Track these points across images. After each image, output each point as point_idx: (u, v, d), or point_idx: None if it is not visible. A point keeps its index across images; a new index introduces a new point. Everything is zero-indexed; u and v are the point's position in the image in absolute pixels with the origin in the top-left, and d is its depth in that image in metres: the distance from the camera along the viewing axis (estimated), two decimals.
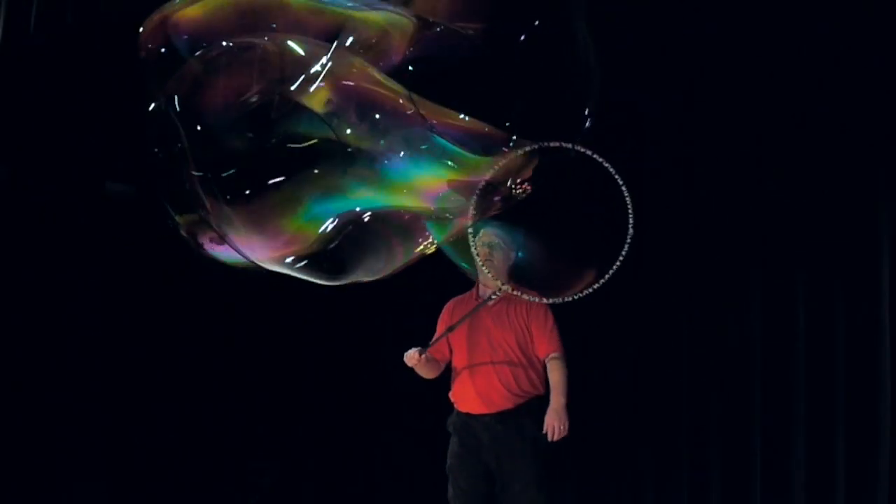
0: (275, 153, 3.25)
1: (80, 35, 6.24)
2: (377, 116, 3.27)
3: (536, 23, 3.34)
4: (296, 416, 7.53)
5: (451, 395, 5.02)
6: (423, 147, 3.32)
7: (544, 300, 4.48)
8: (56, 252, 7.01)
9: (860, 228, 5.65)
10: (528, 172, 3.58)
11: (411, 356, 4.81)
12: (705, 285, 6.14)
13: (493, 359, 4.85)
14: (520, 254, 4.75)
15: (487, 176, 3.47)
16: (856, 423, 5.58)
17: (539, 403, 4.84)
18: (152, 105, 3.30)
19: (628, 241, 3.96)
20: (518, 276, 4.68)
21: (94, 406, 7.12)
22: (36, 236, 6.96)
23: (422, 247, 3.62)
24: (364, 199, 3.38)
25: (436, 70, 3.32)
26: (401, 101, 3.26)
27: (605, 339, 6.49)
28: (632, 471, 6.38)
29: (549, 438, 4.72)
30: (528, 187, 3.60)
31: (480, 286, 5.02)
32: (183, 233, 3.46)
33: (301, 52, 3.25)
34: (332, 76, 3.21)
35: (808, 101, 5.79)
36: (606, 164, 3.79)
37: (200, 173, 3.24)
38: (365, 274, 3.53)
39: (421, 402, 5.58)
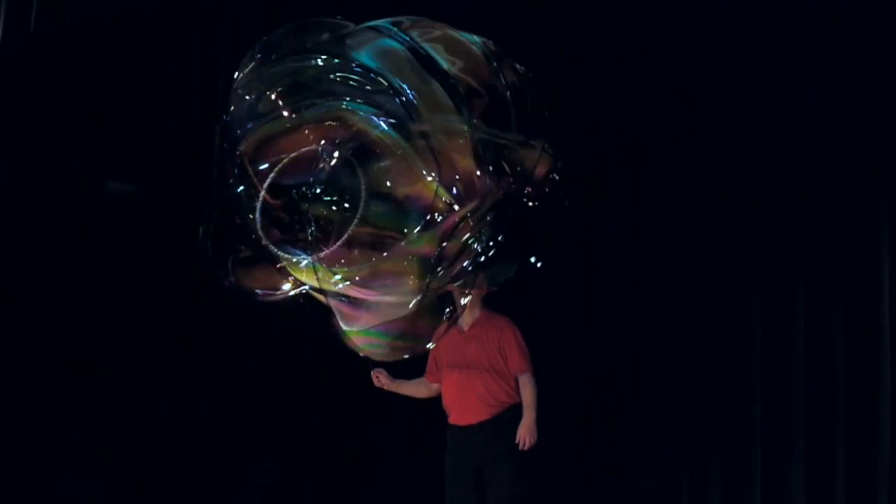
0: None
1: (80, 35, 6.24)
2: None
3: None
4: (297, 416, 7.52)
5: (443, 407, 5.55)
6: None
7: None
8: (56, 251, 7.02)
9: (860, 229, 5.65)
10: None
11: (376, 379, 5.46)
12: (705, 286, 6.14)
13: (470, 377, 5.41)
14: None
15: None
16: (856, 423, 5.59)
17: (514, 411, 5.38)
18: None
19: None
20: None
21: (95, 406, 7.12)
22: (36, 235, 6.97)
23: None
24: None
25: None
26: None
27: (606, 339, 6.49)
28: (632, 471, 6.37)
29: (521, 448, 5.31)
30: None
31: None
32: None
33: None
34: None
35: (808, 101, 5.79)
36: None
37: None
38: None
39: (419, 404, 5.65)
